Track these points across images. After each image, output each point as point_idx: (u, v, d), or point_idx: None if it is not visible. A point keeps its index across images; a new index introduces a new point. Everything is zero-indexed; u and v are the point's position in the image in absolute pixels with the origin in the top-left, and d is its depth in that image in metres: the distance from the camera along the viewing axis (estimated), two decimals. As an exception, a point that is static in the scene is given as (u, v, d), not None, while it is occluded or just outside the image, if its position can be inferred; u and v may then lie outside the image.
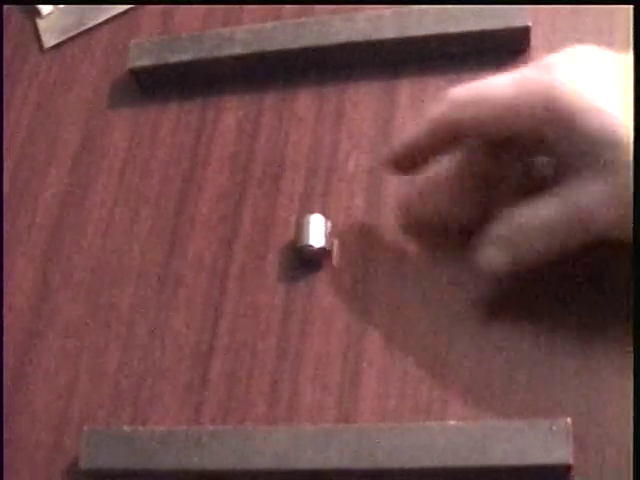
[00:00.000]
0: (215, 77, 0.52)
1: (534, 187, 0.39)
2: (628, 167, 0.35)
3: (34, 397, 0.44)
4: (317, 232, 0.44)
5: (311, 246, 0.44)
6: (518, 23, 0.48)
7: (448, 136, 0.40)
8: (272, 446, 0.39)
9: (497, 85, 0.39)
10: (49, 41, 0.56)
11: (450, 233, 0.43)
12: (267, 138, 0.49)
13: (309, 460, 0.39)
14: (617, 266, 0.41)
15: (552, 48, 0.48)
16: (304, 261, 0.45)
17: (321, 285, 0.44)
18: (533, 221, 0.38)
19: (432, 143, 0.41)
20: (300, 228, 0.45)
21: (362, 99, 0.49)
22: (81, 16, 0.56)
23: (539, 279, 0.42)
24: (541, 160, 0.42)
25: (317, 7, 0.53)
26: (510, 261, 0.39)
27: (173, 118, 0.51)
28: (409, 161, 0.42)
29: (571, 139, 0.37)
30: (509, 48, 0.48)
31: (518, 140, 0.40)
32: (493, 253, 0.39)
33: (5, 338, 0.46)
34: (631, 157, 0.35)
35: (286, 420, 0.41)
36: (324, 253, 0.44)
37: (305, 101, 0.50)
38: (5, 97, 0.55)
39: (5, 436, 0.43)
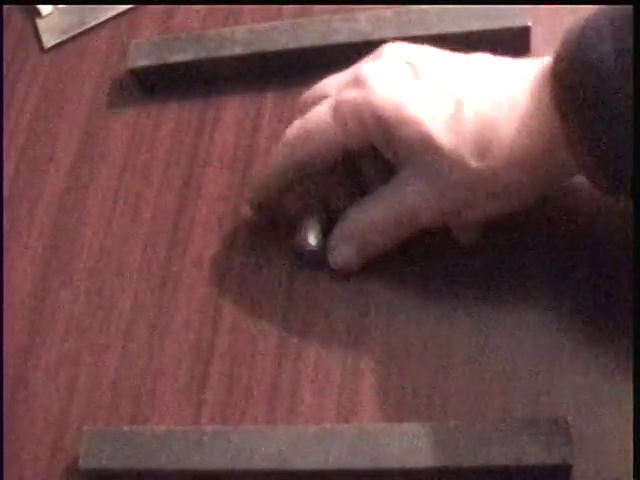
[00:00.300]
0: (215, 77, 0.52)
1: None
2: (444, 168, 0.39)
3: (34, 397, 0.44)
4: (317, 232, 0.44)
5: (311, 245, 0.44)
6: (518, 23, 0.48)
7: (294, 173, 0.43)
8: (272, 446, 0.39)
9: (319, 116, 0.42)
10: (49, 41, 0.56)
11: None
12: (267, 138, 0.49)
13: (309, 460, 0.39)
14: (618, 266, 0.41)
15: (552, 48, 0.48)
16: (304, 261, 0.44)
17: (321, 285, 0.44)
18: (367, 221, 0.42)
19: (283, 183, 0.44)
20: (300, 228, 0.45)
21: (362, 99, 0.49)
22: (81, 16, 0.56)
23: (539, 279, 0.42)
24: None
25: (317, 7, 0.53)
26: (356, 257, 0.44)
27: (173, 118, 0.51)
28: (267, 203, 0.45)
29: (393, 147, 0.41)
30: (509, 48, 0.48)
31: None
32: (340, 252, 0.44)
33: (5, 338, 0.46)
34: (446, 159, 0.39)
35: (286, 420, 0.41)
36: (324, 252, 0.44)
37: (305, 101, 0.50)
38: (5, 97, 0.55)
39: (5, 436, 0.43)
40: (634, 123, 0.34)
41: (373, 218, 0.42)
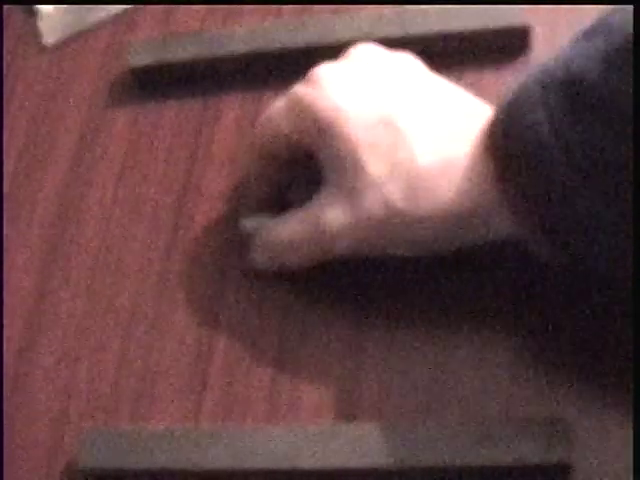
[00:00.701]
0: (215, 76, 0.52)
1: None
2: (369, 199, 0.38)
3: (34, 397, 0.44)
4: (254, 219, 0.45)
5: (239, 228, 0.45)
6: (518, 23, 0.48)
7: (269, 158, 0.42)
8: (272, 446, 0.39)
9: (276, 105, 0.42)
10: (49, 41, 0.56)
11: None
12: (267, 138, 0.49)
13: (309, 460, 0.39)
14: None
15: (552, 48, 0.48)
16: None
17: (322, 285, 0.44)
18: (282, 238, 0.42)
19: (262, 170, 0.43)
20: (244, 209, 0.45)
21: (362, 99, 0.49)
22: (81, 16, 0.56)
23: (540, 280, 0.42)
24: None
25: (317, 6, 0.53)
26: (271, 265, 0.44)
27: (173, 117, 0.51)
28: (262, 195, 0.44)
29: (323, 156, 0.40)
30: (509, 47, 0.48)
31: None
32: (256, 259, 0.44)
33: (5, 338, 0.46)
34: (372, 191, 0.38)
35: (286, 420, 0.41)
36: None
37: (305, 101, 0.50)
38: (5, 97, 0.55)
39: (5, 435, 0.43)
40: (634, 126, 0.34)
41: (287, 236, 0.41)
